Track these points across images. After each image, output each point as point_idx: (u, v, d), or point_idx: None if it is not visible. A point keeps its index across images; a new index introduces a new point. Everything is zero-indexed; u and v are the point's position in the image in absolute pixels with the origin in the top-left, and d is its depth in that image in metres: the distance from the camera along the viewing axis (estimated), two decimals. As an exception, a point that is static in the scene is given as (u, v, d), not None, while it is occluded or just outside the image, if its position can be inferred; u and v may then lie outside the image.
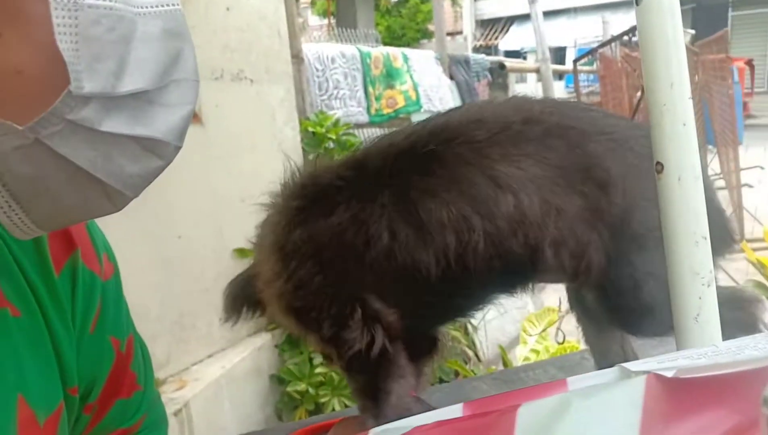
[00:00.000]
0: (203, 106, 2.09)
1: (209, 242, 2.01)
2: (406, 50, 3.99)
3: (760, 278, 1.83)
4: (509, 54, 15.27)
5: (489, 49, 16.46)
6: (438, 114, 0.77)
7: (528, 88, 13.51)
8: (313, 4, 16.78)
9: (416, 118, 3.99)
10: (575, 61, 5.41)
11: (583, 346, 1.00)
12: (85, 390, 0.62)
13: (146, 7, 0.39)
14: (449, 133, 0.72)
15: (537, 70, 5.80)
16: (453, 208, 0.67)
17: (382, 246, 0.68)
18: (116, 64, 0.37)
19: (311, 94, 3.05)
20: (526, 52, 14.40)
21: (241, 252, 2.02)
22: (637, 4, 0.68)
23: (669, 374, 0.36)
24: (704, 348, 0.43)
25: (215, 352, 2.01)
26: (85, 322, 0.62)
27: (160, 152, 0.43)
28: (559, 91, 9.51)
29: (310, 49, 3.18)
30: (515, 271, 0.73)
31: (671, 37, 0.66)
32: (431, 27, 18.11)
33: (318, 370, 1.98)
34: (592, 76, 6.66)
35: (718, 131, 5.71)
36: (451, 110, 0.79)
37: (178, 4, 0.44)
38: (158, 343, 1.85)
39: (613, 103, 4.95)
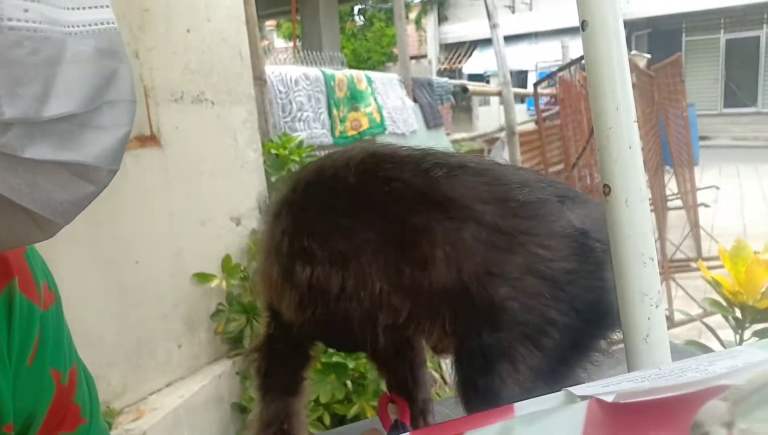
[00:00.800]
0: (162, 127, 2.06)
1: (168, 267, 1.96)
2: (370, 73, 4.02)
3: (716, 296, 1.87)
4: (473, 77, 15.55)
5: (453, 73, 16.75)
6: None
7: (491, 110, 13.76)
8: (278, 27, 16.86)
9: (381, 139, 4.01)
10: (535, 85, 5.53)
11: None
12: (22, 426, 0.59)
13: (77, 27, 0.38)
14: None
15: (499, 93, 5.90)
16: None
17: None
18: (41, 87, 0.36)
19: (274, 116, 3.03)
20: (489, 76, 14.69)
21: (201, 276, 1.98)
22: (583, 30, 0.70)
23: (609, 399, 0.36)
24: (649, 371, 0.43)
25: (174, 381, 1.96)
26: (23, 354, 0.59)
27: (91, 177, 0.41)
28: (521, 113, 9.71)
29: (273, 71, 3.17)
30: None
31: (616, 61, 0.67)
32: (396, 50, 18.35)
33: (280, 396, 1.93)
34: (552, 99, 6.82)
35: (674, 152, 5.88)
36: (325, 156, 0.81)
37: (112, 22, 0.42)
38: (114, 372, 1.79)
39: (573, 126, 5.07)
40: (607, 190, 0.70)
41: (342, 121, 3.70)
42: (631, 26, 16.31)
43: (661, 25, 16.66)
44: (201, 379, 1.97)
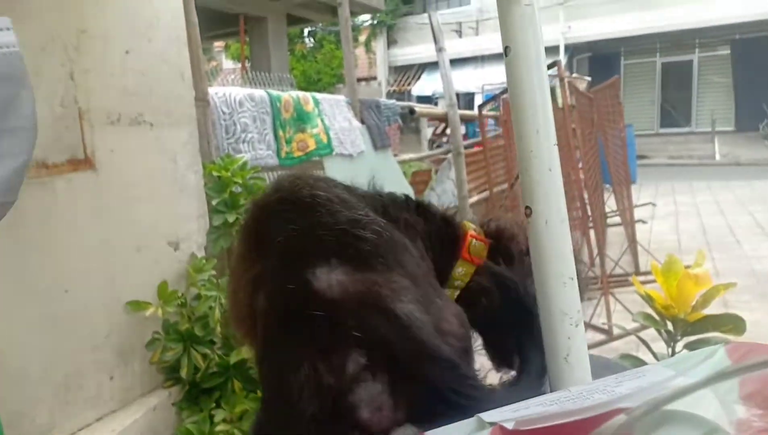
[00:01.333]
0: (97, 151, 1.99)
1: (100, 296, 1.88)
2: (317, 94, 4.02)
3: (650, 311, 1.92)
4: (421, 99, 15.80)
5: (402, 95, 16.98)
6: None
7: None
8: (227, 48, 16.74)
9: (328, 161, 4.00)
10: (480, 107, 5.65)
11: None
12: None
13: None
14: None
15: (445, 115, 6.00)
16: None
17: None
18: None
19: (217, 137, 2.98)
20: (437, 98, 14.95)
21: (135, 305, 1.91)
22: (506, 55, 0.71)
23: (510, 426, 0.35)
24: (559, 393, 0.43)
25: (105, 415, 1.87)
26: None
27: None
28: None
29: (216, 92, 3.12)
30: None
31: (537, 86, 0.69)
32: (346, 72, 18.44)
33: (219, 427, 1.87)
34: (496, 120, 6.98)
35: (613, 171, 6.09)
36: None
37: (14, 46, 0.40)
38: (41, 408, 1.69)
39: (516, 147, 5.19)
40: (528, 211, 0.71)
41: (288, 142, 3.67)
42: (572, 50, 16.96)
43: (601, 49, 17.39)
44: (134, 411, 1.89)
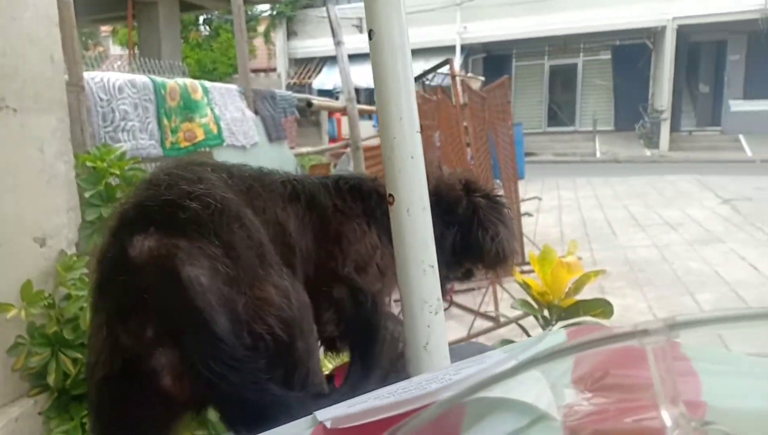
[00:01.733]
0: (-52, 137, 1.78)
1: (-50, 297, 1.69)
2: (207, 83, 3.85)
3: (528, 298, 2.01)
4: (322, 92, 15.70)
5: (303, 87, 16.79)
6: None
7: (341, 124, 13.94)
8: (114, 32, 15.73)
9: (218, 152, 3.86)
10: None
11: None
12: None
13: None
14: None
15: (344, 109, 5.99)
16: None
17: None
18: None
19: (93, 125, 2.77)
20: (338, 92, 14.91)
21: (-5, 306, 1.73)
22: (370, 39, 0.70)
23: (328, 424, 0.34)
24: (399, 384, 0.42)
25: (-43, 429, 1.68)
26: None
27: None
28: (367, 129, 9.97)
29: (93, 77, 2.91)
30: None
31: (401, 72, 0.68)
32: (245, 62, 17.92)
33: None
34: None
35: (502, 166, 6.34)
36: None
37: None
38: None
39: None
40: (391, 199, 0.71)
41: (174, 131, 3.50)
42: (468, 50, 17.53)
43: (494, 50, 18.10)
44: (-7, 423, 1.71)
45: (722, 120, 16.43)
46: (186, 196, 0.70)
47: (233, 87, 4.18)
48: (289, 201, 1.07)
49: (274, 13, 17.64)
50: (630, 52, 16.93)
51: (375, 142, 6.72)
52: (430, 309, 0.67)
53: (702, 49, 16.93)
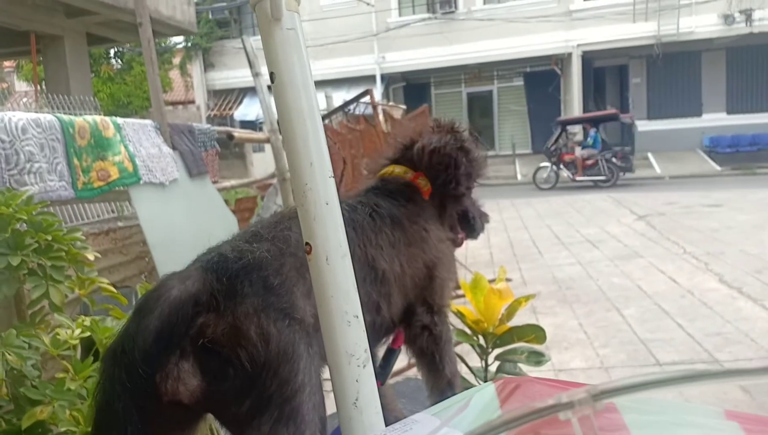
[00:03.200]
0: None
1: None
2: (119, 119, 3.69)
3: (463, 326, 2.01)
4: (245, 124, 15.50)
5: (224, 119, 16.51)
6: None
7: (266, 156, 13.80)
8: (19, 67, 14.95)
9: (135, 190, 3.69)
10: (300, 132, 5.63)
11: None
12: None
13: None
14: None
15: (267, 140, 5.90)
16: None
17: None
18: None
19: (-7, 169, 2.58)
20: (261, 123, 14.75)
21: None
22: (272, 81, 0.66)
23: None
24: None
25: None
26: None
27: None
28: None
29: (-9, 117, 2.72)
30: None
31: (307, 114, 0.65)
32: (164, 96, 17.46)
33: None
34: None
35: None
36: None
37: None
38: None
39: (337, 172, 5.26)
40: (308, 248, 0.67)
41: (86, 171, 3.32)
42: (388, 79, 17.86)
43: (413, 79, 18.54)
44: None
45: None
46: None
47: (148, 122, 4.03)
48: (378, 232, 1.35)
49: (189, 44, 17.33)
50: (540, 77, 17.80)
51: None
52: (357, 362, 0.63)
53: (606, 73, 18.04)
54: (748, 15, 14.79)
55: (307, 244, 0.65)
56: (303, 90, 0.64)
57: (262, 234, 1.06)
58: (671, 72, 16.56)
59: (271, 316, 0.89)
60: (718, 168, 15.27)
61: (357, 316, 0.64)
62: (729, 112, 16.36)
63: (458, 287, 2.28)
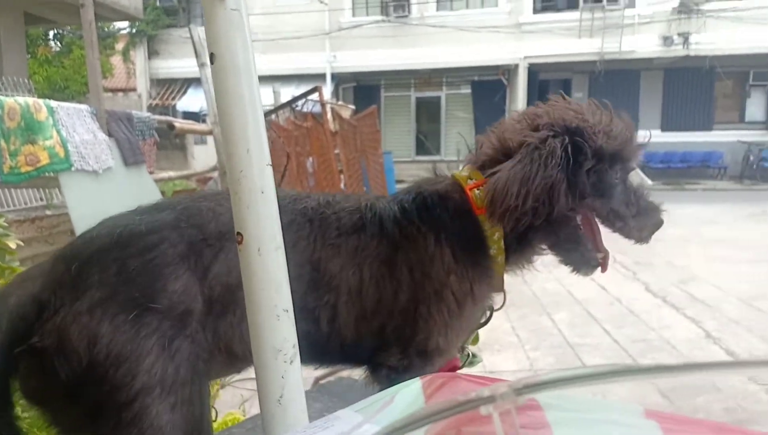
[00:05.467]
0: None
1: None
2: (53, 102, 3.52)
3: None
4: (188, 115, 15.08)
5: (166, 109, 16.03)
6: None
7: (208, 149, 13.50)
8: (-54, 42, 14.07)
9: (66, 177, 3.52)
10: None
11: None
12: None
13: None
14: None
15: (210, 132, 5.76)
16: None
17: None
18: None
19: None
20: (204, 114, 14.40)
21: None
22: (211, 63, 0.64)
23: None
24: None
25: None
26: None
27: None
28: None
29: None
30: None
31: (248, 99, 0.62)
32: (104, 82, 16.81)
33: None
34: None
35: (373, 192, 6.46)
36: None
37: None
38: None
39: (279, 167, 5.20)
40: (240, 238, 0.64)
41: (13, 155, 3.15)
42: (339, 79, 17.79)
43: (363, 80, 18.53)
44: None
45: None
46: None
47: (84, 107, 3.86)
48: (349, 234, 1.09)
49: (134, 31, 16.74)
50: (488, 87, 18.14)
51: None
52: (284, 358, 0.61)
53: (551, 86, 18.57)
54: (685, 38, 15.55)
55: (238, 233, 0.62)
56: (245, 73, 0.62)
57: (174, 203, 0.97)
58: (611, 88, 17.22)
59: (109, 312, 0.81)
60: (650, 182, 15.98)
61: (287, 311, 0.62)
62: (663, 129, 17.14)
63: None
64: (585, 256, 1.24)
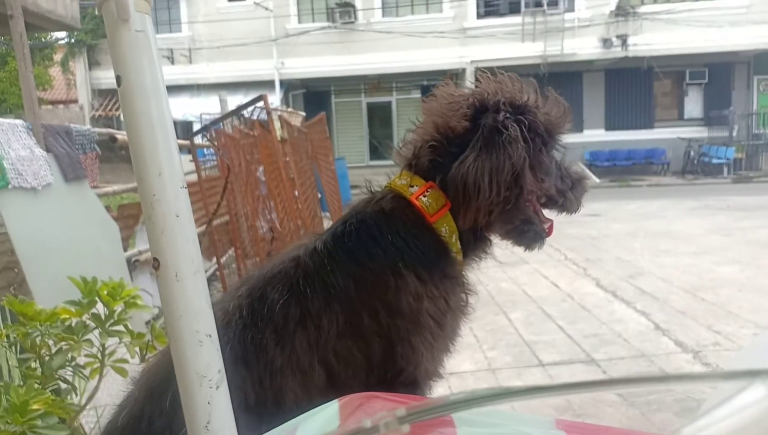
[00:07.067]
0: None
1: None
2: (-16, 118, 3.37)
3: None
4: (134, 126, 14.66)
5: (110, 120, 15.60)
6: None
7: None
8: None
9: (2, 195, 3.38)
10: (191, 137, 5.44)
11: None
12: None
13: None
14: None
15: (155, 144, 5.62)
16: None
17: None
18: None
19: None
20: (151, 126, 14.06)
21: None
22: (118, 85, 0.62)
23: None
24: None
25: None
26: None
27: None
28: (186, 164, 9.52)
29: None
30: None
31: (157, 121, 0.61)
32: (43, 94, 16.22)
33: None
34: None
35: (328, 199, 6.42)
36: None
37: None
38: None
39: (232, 178, 5.12)
40: (156, 263, 0.63)
41: (-59, 175, 3.00)
42: (287, 85, 17.68)
43: (313, 86, 18.47)
44: None
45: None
46: None
47: (18, 122, 3.71)
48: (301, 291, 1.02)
49: (72, 41, 16.23)
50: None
51: (194, 177, 6.42)
52: (210, 384, 0.60)
53: (498, 89, 18.94)
54: (623, 40, 16.12)
55: (155, 259, 0.61)
56: (153, 96, 0.61)
57: None
58: (555, 90, 17.64)
59: None
60: (598, 180, 16.48)
61: (210, 336, 0.61)
62: (607, 129, 17.70)
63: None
64: (537, 232, 1.19)
